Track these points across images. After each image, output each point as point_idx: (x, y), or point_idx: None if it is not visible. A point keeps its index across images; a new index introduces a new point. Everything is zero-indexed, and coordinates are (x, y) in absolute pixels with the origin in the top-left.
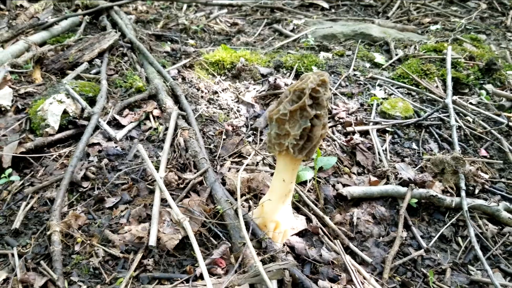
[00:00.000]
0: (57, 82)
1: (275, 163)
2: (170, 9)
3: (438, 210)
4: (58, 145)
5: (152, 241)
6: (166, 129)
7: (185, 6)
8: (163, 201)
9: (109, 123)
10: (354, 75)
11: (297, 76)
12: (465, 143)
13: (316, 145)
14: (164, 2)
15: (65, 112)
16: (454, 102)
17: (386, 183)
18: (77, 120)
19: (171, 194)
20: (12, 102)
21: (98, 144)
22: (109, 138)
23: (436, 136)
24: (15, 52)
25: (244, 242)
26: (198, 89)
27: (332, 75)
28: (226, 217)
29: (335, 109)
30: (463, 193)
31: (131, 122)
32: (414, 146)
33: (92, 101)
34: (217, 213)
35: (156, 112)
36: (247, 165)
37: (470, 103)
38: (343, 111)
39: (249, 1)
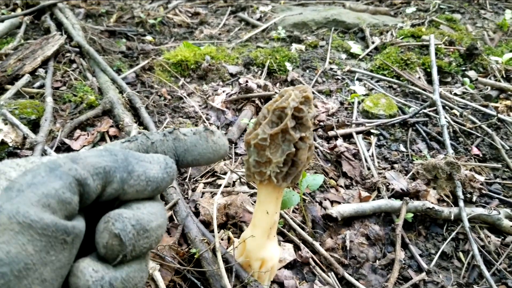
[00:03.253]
0: None
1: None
2: None
3: (435, 223)
4: None
5: None
6: None
7: None
8: None
9: (58, 148)
10: (331, 69)
11: (269, 74)
12: (455, 141)
13: (302, 170)
14: None
15: (3, 142)
16: (440, 95)
17: (378, 196)
18: (18, 150)
19: None
20: None
21: None
22: None
23: (424, 134)
24: None
25: None
26: (160, 96)
27: (307, 70)
28: (203, 262)
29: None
30: (461, 203)
31: (84, 145)
32: (402, 148)
33: (36, 124)
34: (193, 256)
35: (113, 131)
36: (223, 187)
37: (455, 94)
38: (323, 112)
39: None
